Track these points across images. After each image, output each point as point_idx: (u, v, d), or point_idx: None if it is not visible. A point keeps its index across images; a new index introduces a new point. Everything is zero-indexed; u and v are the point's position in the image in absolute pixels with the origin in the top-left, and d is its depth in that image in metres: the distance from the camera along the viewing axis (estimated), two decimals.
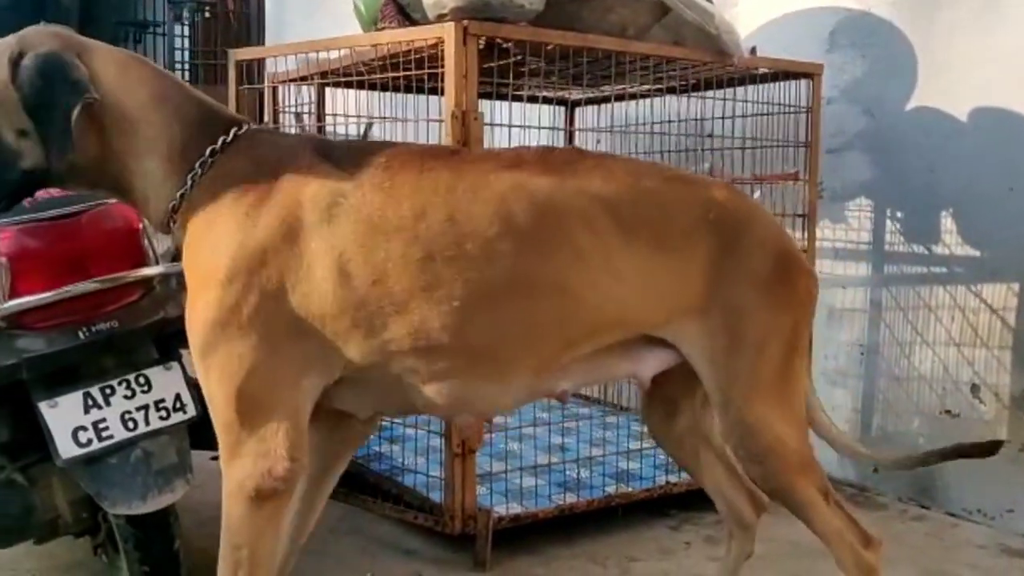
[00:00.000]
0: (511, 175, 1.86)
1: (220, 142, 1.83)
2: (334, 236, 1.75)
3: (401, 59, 2.88)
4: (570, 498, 3.09)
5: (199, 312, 1.78)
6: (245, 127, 1.89)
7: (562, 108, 4.18)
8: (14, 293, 2.18)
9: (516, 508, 2.99)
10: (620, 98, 3.69)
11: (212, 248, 1.78)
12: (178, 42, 8.39)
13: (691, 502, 3.23)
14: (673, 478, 3.21)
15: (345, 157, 1.84)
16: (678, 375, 2.09)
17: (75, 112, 1.72)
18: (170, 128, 1.83)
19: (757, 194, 3.70)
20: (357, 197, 1.78)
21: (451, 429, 2.81)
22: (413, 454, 3.23)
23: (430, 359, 1.81)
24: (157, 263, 2.34)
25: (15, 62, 1.73)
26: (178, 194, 1.83)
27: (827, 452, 3.70)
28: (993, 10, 3.29)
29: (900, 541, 3.18)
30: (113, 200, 2.28)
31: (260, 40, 7.48)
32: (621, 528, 3.17)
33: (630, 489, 3.19)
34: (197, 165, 1.82)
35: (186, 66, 8.63)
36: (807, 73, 3.41)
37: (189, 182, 1.82)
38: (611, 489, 3.18)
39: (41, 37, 1.78)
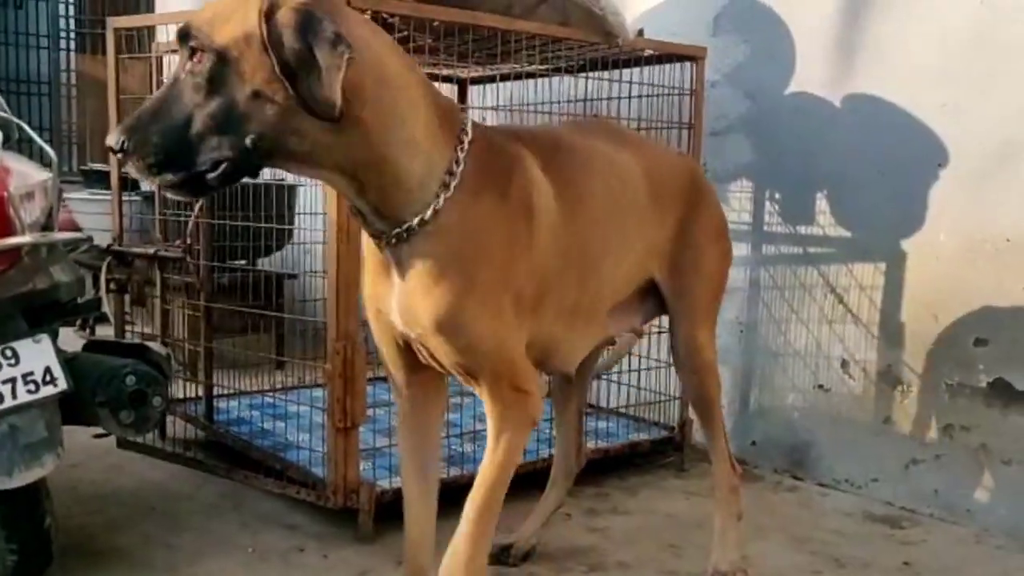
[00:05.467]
0: (618, 153, 2.29)
1: (469, 123, 1.84)
2: (550, 219, 1.97)
3: None
4: (454, 472, 3.12)
5: (475, 298, 1.83)
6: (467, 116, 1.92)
7: (455, 86, 4.18)
8: None
9: (399, 482, 2.99)
10: (509, 77, 3.72)
11: (492, 237, 1.84)
12: (62, 9, 8.07)
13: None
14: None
15: (531, 146, 2.01)
16: None
17: (342, 71, 1.55)
18: (427, 96, 1.77)
19: None
20: (551, 183, 1.99)
21: (334, 404, 2.80)
22: (296, 431, 3.22)
23: (569, 317, 2.12)
24: (24, 233, 2.27)
25: (267, 16, 1.57)
26: (457, 169, 1.78)
27: None
28: (865, 2, 3.43)
29: (773, 511, 3.31)
30: None
31: (149, 9, 7.26)
32: (505, 500, 3.20)
33: None
34: (457, 149, 1.79)
35: (71, 35, 8.32)
36: (691, 56, 3.50)
37: (457, 165, 1.78)
38: None
39: None
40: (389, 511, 2.94)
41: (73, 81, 8.12)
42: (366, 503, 2.84)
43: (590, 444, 3.50)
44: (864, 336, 3.49)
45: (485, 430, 3.31)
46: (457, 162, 1.77)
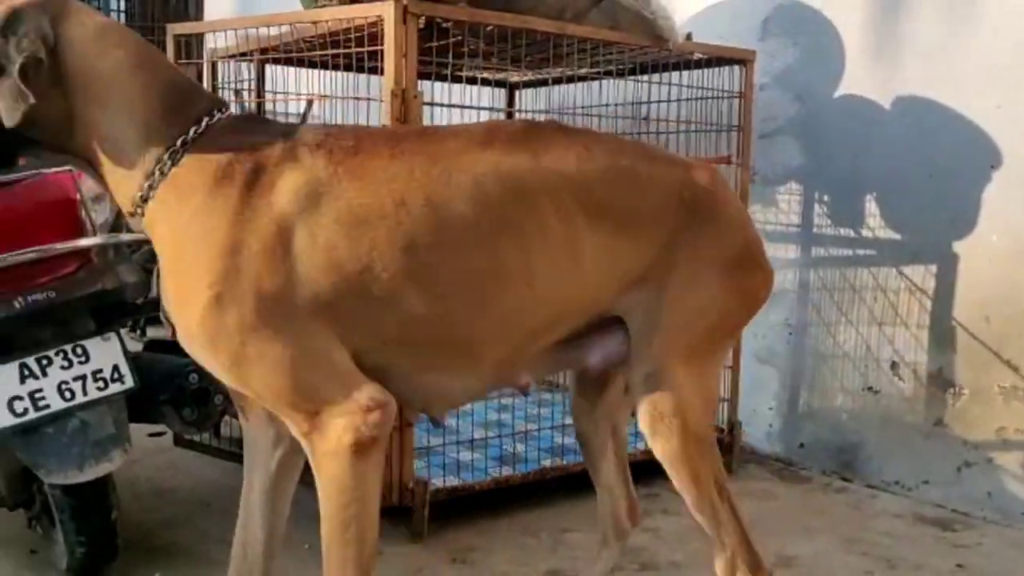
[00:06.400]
0: (484, 155, 1.82)
1: (204, 123, 1.75)
2: (319, 227, 1.69)
3: (341, 37, 2.91)
4: (506, 471, 3.16)
5: (219, 319, 1.67)
6: (226, 111, 1.82)
7: (503, 90, 4.22)
8: None
9: (453, 481, 3.04)
10: (558, 81, 3.75)
11: (202, 246, 1.68)
12: (114, 16, 8.23)
13: None
14: None
15: (320, 144, 1.77)
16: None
17: (15, 68, 1.66)
18: (148, 94, 1.75)
19: None
20: (335, 186, 1.72)
21: None
22: None
23: (415, 351, 1.80)
24: (95, 234, 2.35)
25: None
26: (156, 169, 1.72)
27: (754, 427, 3.84)
28: (914, 4, 3.42)
29: (822, 512, 3.31)
30: (49, 170, 2.29)
31: (199, 15, 7.38)
32: (556, 501, 3.24)
33: (565, 463, 3.26)
34: (179, 143, 1.73)
35: None
36: (740, 59, 3.51)
37: (168, 160, 1.72)
38: (546, 462, 3.25)
39: None
40: (443, 509, 2.99)
41: None
42: (420, 501, 2.88)
43: (640, 446, 3.51)
44: (914, 338, 3.48)
45: (534, 431, 3.40)
46: (172, 157, 1.72)
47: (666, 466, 1.98)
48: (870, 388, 3.61)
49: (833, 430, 3.73)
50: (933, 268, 3.42)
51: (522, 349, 1.90)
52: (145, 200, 1.74)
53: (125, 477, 3.33)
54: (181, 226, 1.71)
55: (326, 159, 1.74)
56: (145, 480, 3.44)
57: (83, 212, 2.33)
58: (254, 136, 1.76)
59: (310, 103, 3.74)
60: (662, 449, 1.96)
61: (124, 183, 1.76)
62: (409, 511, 2.91)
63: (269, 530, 2.07)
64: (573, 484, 3.30)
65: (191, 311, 1.68)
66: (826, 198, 3.76)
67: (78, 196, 2.32)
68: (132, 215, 1.78)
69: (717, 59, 3.48)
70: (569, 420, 3.40)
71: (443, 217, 1.75)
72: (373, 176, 1.75)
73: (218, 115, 1.77)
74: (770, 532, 3.06)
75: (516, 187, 1.81)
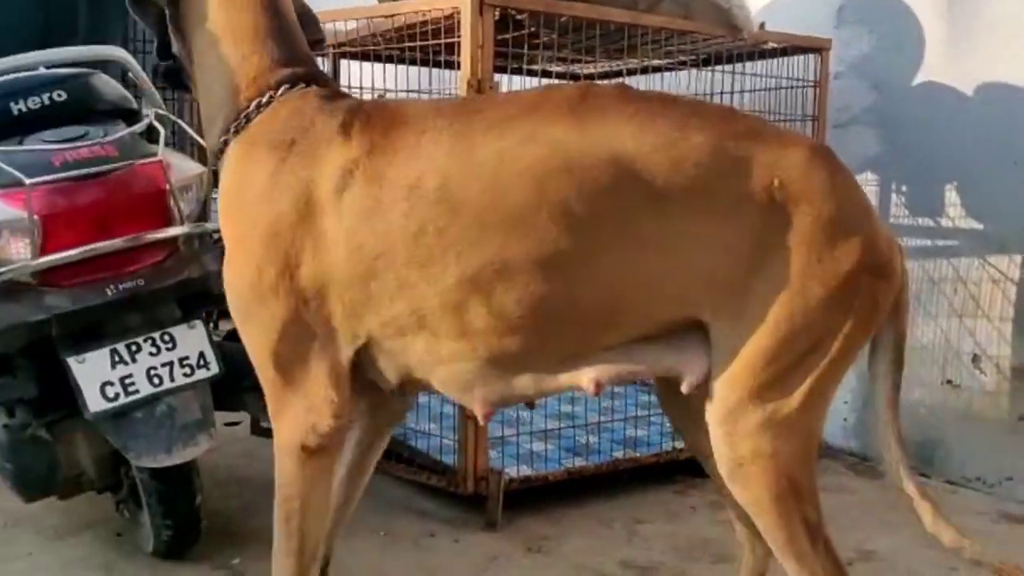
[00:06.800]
0: (520, 126, 1.63)
1: (286, 88, 1.80)
2: (345, 206, 1.66)
3: (418, 30, 2.93)
4: (579, 462, 3.16)
5: (236, 272, 1.76)
6: (324, 83, 1.86)
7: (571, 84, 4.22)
8: (44, 251, 2.25)
9: (527, 470, 3.05)
10: (632, 72, 3.73)
11: (248, 203, 1.75)
12: None
13: (697, 468, 3.26)
14: (679, 444, 3.26)
15: (370, 119, 1.72)
16: None
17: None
18: (252, 50, 1.83)
19: None
20: (365, 164, 1.67)
21: None
22: (426, 420, 3.30)
23: (435, 339, 1.69)
24: (182, 223, 2.40)
25: None
26: (244, 116, 1.80)
27: (829, 422, 3.78)
28: None
29: (899, 507, 3.21)
30: (140, 161, 2.35)
31: None
32: (628, 492, 3.24)
33: (637, 454, 3.26)
34: (266, 97, 1.79)
35: None
36: (815, 48, 3.46)
37: (256, 110, 1.79)
38: (618, 454, 3.25)
39: None
40: (517, 499, 3.00)
41: None
42: (495, 490, 2.90)
43: None
44: (997, 331, 3.40)
45: (606, 423, 3.40)
46: (248, 116, 1.80)
47: (748, 512, 1.74)
48: (949, 382, 3.53)
49: (911, 425, 3.62)
50: (1018, 259, 3.34)
51: (575, 350, 1.71)
52: (223, 150, 1.83)
53: (205, 465, 3.38)
54: (236, 180, 1.79)
55: (368, 136, 1.69)
56: (224, 468, 3.51)
57: (171, 202, 2.39)
58: (324, 107, 1.76)
59: (381, 97, 3.77)
60: (739, 497, 1.71)
61: (213, 129, 1.87)
62: (484, 500, 2.93)
63: (339, 512, 2.09)
64: (646, 475, 3.30)
65: (229, 264, 1.77)
66: (904, 188, 3.69)
67: (167, 186, 2.38)
68: (215, 159, 1.88)
69: (791, 48, 3.44)
70: (642, 412, 3.41)
71: (457, 200, 1.61)
72: (398, 155, 1.67)
73: (303, 86, 1.81)
74: (848, 527, 3.02)
75: (550, 163, 1.60)
